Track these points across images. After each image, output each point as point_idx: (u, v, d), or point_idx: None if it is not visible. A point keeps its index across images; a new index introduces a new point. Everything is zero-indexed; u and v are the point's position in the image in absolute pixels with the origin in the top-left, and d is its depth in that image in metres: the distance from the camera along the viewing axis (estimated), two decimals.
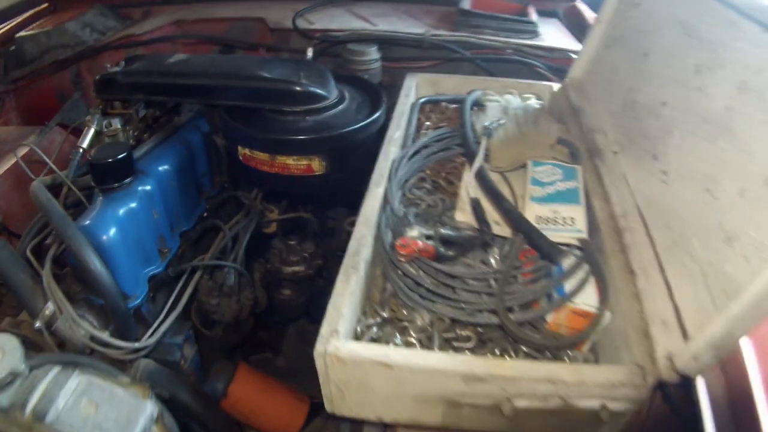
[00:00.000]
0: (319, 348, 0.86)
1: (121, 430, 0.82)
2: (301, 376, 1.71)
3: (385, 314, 1.01)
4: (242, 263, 1.52)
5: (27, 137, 1.65)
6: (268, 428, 1.57)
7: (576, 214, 1.06)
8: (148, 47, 2.03)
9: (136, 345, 1.23)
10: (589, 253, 0.98)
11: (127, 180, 1.26)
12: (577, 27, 2.05)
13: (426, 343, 0.96)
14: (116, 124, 1.39)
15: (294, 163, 1.34)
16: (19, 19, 2.24)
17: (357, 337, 0.98)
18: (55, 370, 0.88)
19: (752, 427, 0.77)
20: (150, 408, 0.88)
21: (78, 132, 1.49)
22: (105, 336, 1.17)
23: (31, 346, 1.13)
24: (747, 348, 0.85)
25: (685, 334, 0.81)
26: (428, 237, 1.05)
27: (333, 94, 1.41)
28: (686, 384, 0.84)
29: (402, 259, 1.03)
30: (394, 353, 0.85)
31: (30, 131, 1.70)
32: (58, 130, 1.75)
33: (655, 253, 0.96)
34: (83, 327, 1.14)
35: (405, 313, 1.00)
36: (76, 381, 0.87)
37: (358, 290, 0.98)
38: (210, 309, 1.46)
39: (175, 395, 1.31)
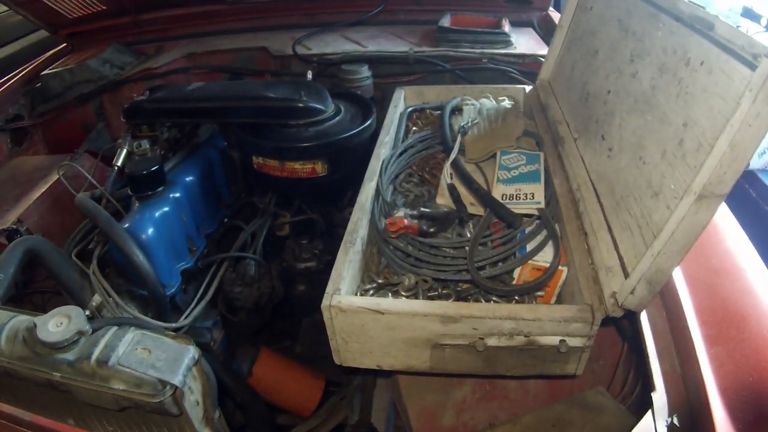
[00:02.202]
0: (325, 302, 0.98)
1: (169, 368, 0.91)
2: (316, 360, 1.84)
3: (379, 280, 1.13)
4: (261, 255, 1.65)
5: (58, 164, 1.74)
6: (288, 404, 1.69)
7: (536, 190, 1.18)
8: (164, 79, 2.18)
9: (174, 325, 1.37)
10: (546, 219, 1.10)
11: (160, 188, 1.41)
12: (550, 34, 2.17)
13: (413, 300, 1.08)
14: (145, 144, 1.54)
15: (301, 167, 1.48)
16: (41, 59, 2.37)
17: None
18: (114, 328, 0.97)
19: (689, 349, 0.87)
20: (192, 351, 0.97)
21: (105, 158, 1.65)
22: (147, 318, 1.31)
23: None
24: (682, 285, 0.95)
25: (626, 276, 0.92)
26: (413, 216, 1.17)
27: (330, 108, 1.55)
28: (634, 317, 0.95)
29: (392, 236, 1.15)
30: (383, 302, 0.98)
31: (60, 159, 1.80)
32: (87, 156, 1.87)
33: (604, 216, 1.07)
34: (127, 311, 1.29)
35: (396, 278, 1.12)
36: (132, 334, 0.96)
37: (356, 260, 1.10)
38: (234, 297, 1.59)
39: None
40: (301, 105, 1.49)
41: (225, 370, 1.47)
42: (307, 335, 2.01)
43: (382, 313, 0.96)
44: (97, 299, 1.23)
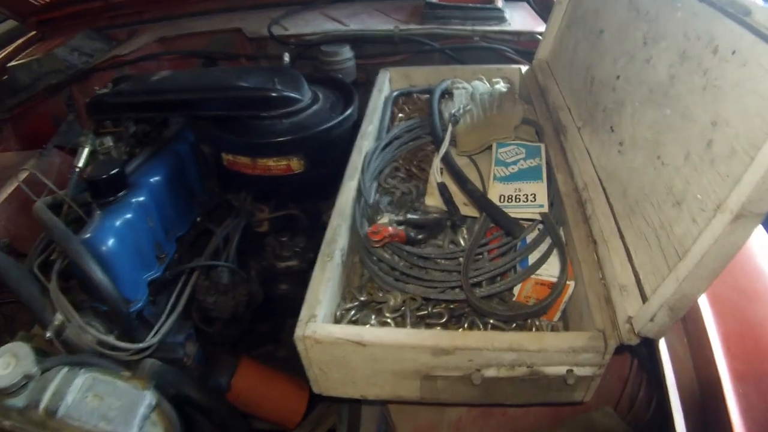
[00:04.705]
0: (298, 332, 0.87)
1: (123, 418, 0.85)
2: (301, 365, 1.71)
3: (362, 298, 1.00)
4: (234, 262, 1.51)
5: (27, 162, 1.64)
6: (272, 417, 1.57)
7: (538, 190, 1.05)
8: (134, 66, 2.02)
9: (140, 345, 1.24)
10: (550, 225, 0.96)
11: (122, 193, 1.27)
12: (547, 10, 2.00)
13: (400, 322, 0.95)
14: (108, 142, 1.39)
15: (274, 164, 1.33)
16: (9, 49, 2.23)
17: (336, 320, 0.98)
18: (64, 370, 0.91)
19: (713, 385, 0.75)
20: (149, 397, 0.91)
21: (75, 152, 1.50)
22: (111, 339, 1.19)
23: (45, 355, 1.15)
24: (706, 308, 0.83)
25: (644, 297, 0.79)
26: (399, 223, 1.04)
27: (307, 96, 1.39)
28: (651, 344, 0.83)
29: (376, 245, 1.01)
30: (366, 332, 0.85)
31: (29, 156, 1.69)
32: (56, 152, 1.74)
33: (615, 222, 0.94)
34: (90, 333, 1.16)
35: (381, 295, 0.99)
36: (82, 378, 0.90)
37: (334, 276, 0.97)
38: (208, 307, 1.46)
39: (180, 391, 1.32)
40: (274, 95, 1.34)
41: (200, 387, 1.35)
42: (291, 338, 1.88)
43: (364, 345, 0.83)
44: (59, 318, 1.12)
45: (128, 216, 1.24)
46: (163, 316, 1.33)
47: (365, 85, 1.72)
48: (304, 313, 0.88)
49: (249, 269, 1.71)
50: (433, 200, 1.14)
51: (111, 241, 1.18)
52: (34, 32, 2.32)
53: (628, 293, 0.82)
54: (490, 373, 0.84)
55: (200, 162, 1.58)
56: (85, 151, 1.35)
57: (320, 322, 0.88)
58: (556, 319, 0.98)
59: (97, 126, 1.42)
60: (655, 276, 0.79)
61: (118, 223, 1.22)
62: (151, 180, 1.36)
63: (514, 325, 0.93)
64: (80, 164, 1.34)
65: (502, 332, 0.88)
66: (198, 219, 1.59)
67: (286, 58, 1.65)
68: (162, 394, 1.28)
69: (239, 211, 1.57)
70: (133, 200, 1.28)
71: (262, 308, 1.71)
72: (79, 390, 0.88)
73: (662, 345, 0.83)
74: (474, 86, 1.43)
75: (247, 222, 1.65)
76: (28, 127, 2.08)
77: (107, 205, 1.24)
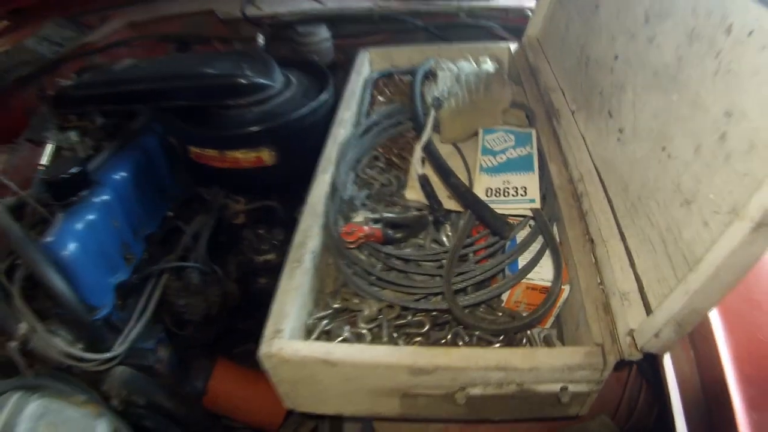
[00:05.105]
0: (263, 350, 0.78)
1: None
2: None
3: (336, 305, 0.91)
4: (205, 261, 1.41)
5: None
6: (251, 421, 1.49)
7: (528, 182, 0.95)
8: (105, 54, 1.88)
9: (106, 356, 1.17)
10: (542, 223, 0.87)
11: (84, 193, 1.18)
12: None
13: (377, 333, 0.86)
14: (73, 137, 1.30)
15: (243, 157, 1.23)
16: None
17: (308, 329, 0.89)
18: (15, 396, 0.88)
19: (723, 406, 0.67)
20: (100, 428, 0.90)
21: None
22: (76, 351, 1.12)
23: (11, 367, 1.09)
24: (716, 322, 0.74)
25: (648, 308, 0.70)
26: (375, 221, 0.94)
27: (278, 82, 1.28)
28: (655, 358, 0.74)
29: (350, 247, 0.92)
30: (336, 350, 0.76)
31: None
32: (29, 146, 1.62)
33: (615, 220, 0.85)
34: (54, 344, 1.09)
35: (356, 302, 0.90)
36: (34, 406, 0.88)
37: (304, 284, 0.88)
38: (179, 309, 1.36)
39: (151, 400, 1.25)
40: (242, 81, 1.23)
41: (172, 395, 1.27)
42: None
43: (335, 365, 0.74)
44: (24, 327, 1.06)
45: (91, 217, 1.16)
46: (132, 322, 1.25)
47: (344, 67, 1.60)
48: (269, 328, 0.79)
49: (227, 264, 1.62)
50: (413, 194, 1.04)
51: (72, 246, 1.10)
52: (6, 23, 2.15)
53: (630, 302, 0.73)
54: (476, 391, 0.75)
55: (170, 154, 1.47)
56: (49, 148, 1.28)
57: (287, 338, 0.79)
58: (548, 325, 0.89)
59: (63, 120, 1.33)
60: (660, 285, 0.70)
61: (79, 225, 1.13)
62: (116, 177, 1.27)
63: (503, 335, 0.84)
64: (45, 162, 1.26)
65: (489, 349, 0.78)
66: (170, 214, 1.49)
67: (261, 39, 1.55)
68: (131, 405, 1.21)
69: (210, 206, 1.46)
70: (96, 200, 1.19)
71: (242, 305, 1.62)
72: (31, 418, 0.85)
73: (666, 359, 0.74)
74: (459, 67, 1.32)
75: (221, 215, 1.55)
76: (2, 122, 1.92)
77: (69, 206, 1.16)
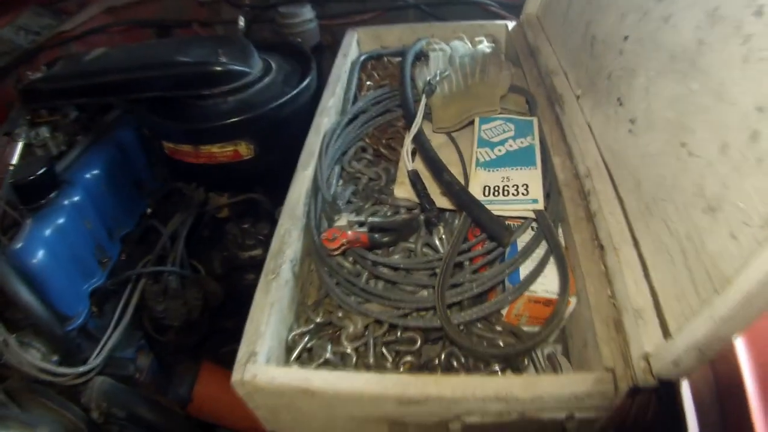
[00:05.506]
0: (235, 376, 0.69)
1: None
2: None
3: (318, 319, 0.83)
4: (184, 262, 1.33)
5: None
6: (241, 427, 1.43)
7: (530, 179, 0.86)
8: (82, 42, 1.79)
9: (81, 369, 1.12)
10: (546, 228, 0.78)
11: (53, 194, 1.11)
12: None
13: (363, 352, 0.79)
14: (44, 133, 1.22)
15: (219, 151, 1.14)
16: None
17: (289, 348, 0.81)
18: None
19: None
20: None
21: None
22: (49, 366, 1.06)
23: None
24: (739, 343, 0.66)
25: (665, 330, 0.62)
26: (361, 224, 0.85)
27: (256, 68, 1.19)
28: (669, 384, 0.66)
29: (333, 254, 0.84)
30: (315, 377, 0.68)
31: None
32: (5, 140, 1.54)
33: (627, 222, 0.76)
34: (26, 359, 1.02)
35: (340, 315, 0.82)
36: None
37: (283, 297, 0.80)
38: (158, 315, 1.29)
39: (132, 412, 1.19)
40: (218, 69, 1.14)
41: (153, 406, 1.21)
42: None
43: (314, 394, 0.66)
44: None
45: (60, 221, 1.09)
46: (108, 331, 1.19)
47: (332, 49, 1.50)
48: (242, 350, 0.71)
49: (211, 260, 1.54)
50: (403, 191, 0.95)
51: (41, 253, 1.03)
52: None
53: (645, 321, 0.65)
54: (473, 419, 0.67)
55: (148, 146, 1.39)
56: (19, 146, 1.20)
57: (262, 362, 0.71)
58: (552, 340, 0.81)
59: (33, 116, 1.25)
60: (679, 302, 0.62)
61: (48, 231, 1.06)
62: (87, 175, 1.20)
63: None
64: (14, 161, 1.18)
65: (487, 377, 0.70)
66: (148, 211, 1.41)
67: (241, 22, 1.46)
68: (112, 417, 1.15)
69: (188, 203, 1.38)
70: (66, 201, 1.12)
71: (227, 302, 1.55)
72: None
73: (684, 383, 0.66)
74: (453, 47, 1.22)
75: (204, 209, 1.47)
76: None
77: (37, 210, 1.09)
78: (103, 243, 1.22)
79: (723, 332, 0.53)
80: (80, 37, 1.79)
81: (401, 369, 0.75)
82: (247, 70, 1.16)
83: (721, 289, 0.54)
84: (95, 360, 1.13)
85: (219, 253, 1.56)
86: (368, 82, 1.28)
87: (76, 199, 1.13)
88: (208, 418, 1.38)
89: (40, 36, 1.81)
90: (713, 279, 0.56)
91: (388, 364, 0.75)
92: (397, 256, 0.85)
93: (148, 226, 1.38)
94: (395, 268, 0.83)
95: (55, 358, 1.09)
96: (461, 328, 0.75)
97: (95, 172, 1.21)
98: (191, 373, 1.35)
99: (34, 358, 1.04)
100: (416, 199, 0.92)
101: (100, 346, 1.15)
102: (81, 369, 1.11)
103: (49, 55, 1.72)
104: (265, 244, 1.55)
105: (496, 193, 0.85)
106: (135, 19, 1.86)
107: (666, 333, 0.62)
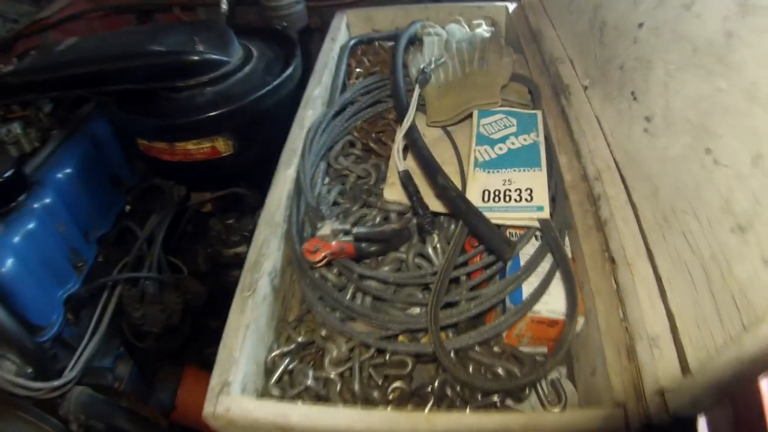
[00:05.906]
0: (207, 408, 0.63)
1: None
2: None
3: (299, 338, 0.76)
4: (162, 265, 1.26)
5: None
6: None
7: (534, 183, 0.79)
8: (60, 29, 1.70)
9: (56, 383, 1.06)
10: (552, 239, 0.71)
11: (21, 198, 1.05)
12: None
13: (348, 377, 0.72)
14: (16, 129, 1.15)
15: (196, 148, 1.07)
16: None
17: (269, 370, 0.74)
18: None
19: None
20: None
21: None
22: (22, 381, 1.00)
23: None
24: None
25: (683, 363, 0.56)
26: (346, 232, 0.78)
27: (236, 56, 1.11)
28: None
29: (315, 266, 0.77)
30: (293, 412, 0.61)
31: None
32: None
33: (642, 233, 0.69)
34: None
35: (323, 335, 0.75)
36: None
37: (261, 315, 0.73)
38: (136, 321, 1.22)
39: (111, 424, 1.14)
40: (194, 58, 1.06)
41: (132, 418, 1.15)
42: None
43: (292, 430, 0.60)
44: None
45: (30, 226, 1.03)
46: (85, 339, 1.13)
47: (320, 32, 1.41)
48: (214, 379, 0.65)
49: (195, 257, 1.47)
50: (394, 193, 0.88)
51: (9, 262, 0.97)
52: None
53: (661, 351, 0.58)
54: None
55: (125, 139, 1.31)
56: None
57: (237, 392, 0.64)
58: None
59: (5, 111, 1.19)
60: (700, 331, 0.55)
61: (16, 238, 1.00)
62: (59, 175, 1.13)
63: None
64: None
65: (483, 414, 0.64)
66: (127, 208, 1.34)
67: (224, 5, 1.36)
68: (91, 429, 1.10)
69: (164, 202, 1.30)
70: (36, 204, 1.06)
71: (212, 302, 1.48)
72: None
73: (701, 425, 0.60)
74: (449, 31, 1.13)
75: (185, 205, 1.40)
76: None
77: (5, 215, 1.02)
78: (78, 246, 1.16)
79: (750, 373, 0.47)
80: (58, 24, 1.71)
81: (390, 396, 0.69)
82: (225, 58, 1.07)
83: (751, 325, 0.47)
84: (71, 372, 1.08)
85: (203, 250, 1.49)
86: (358, 69, 1.19)
87: (47, 201, 1.07)
88: (194, 425, 1.32)
89: (17, 24, 1.73)
90: (741, 310, 0.50)
91: (376, 393, 0.68)
92: (386, 268, 0.78)
93: (125, 226, 1.31)
94: (384, 281, 0.76)
95: (29, 370, 1.03)
96: (458, 352, 0.69)
97: (67, 170, 1.14)
98: (174, 379, 1.29)
99: (7, 371, 0.99)
100: (408, 202, 0.84)
101: (76, 357, 1.10)
102: (56, 383, 1.05)
103: (27, 44, 1.65)
104: (251, 240, 1.48)
105: (496, 199, 0.78)
106: (114, 4, 1.76)
107: (685, 367, 0.55)
